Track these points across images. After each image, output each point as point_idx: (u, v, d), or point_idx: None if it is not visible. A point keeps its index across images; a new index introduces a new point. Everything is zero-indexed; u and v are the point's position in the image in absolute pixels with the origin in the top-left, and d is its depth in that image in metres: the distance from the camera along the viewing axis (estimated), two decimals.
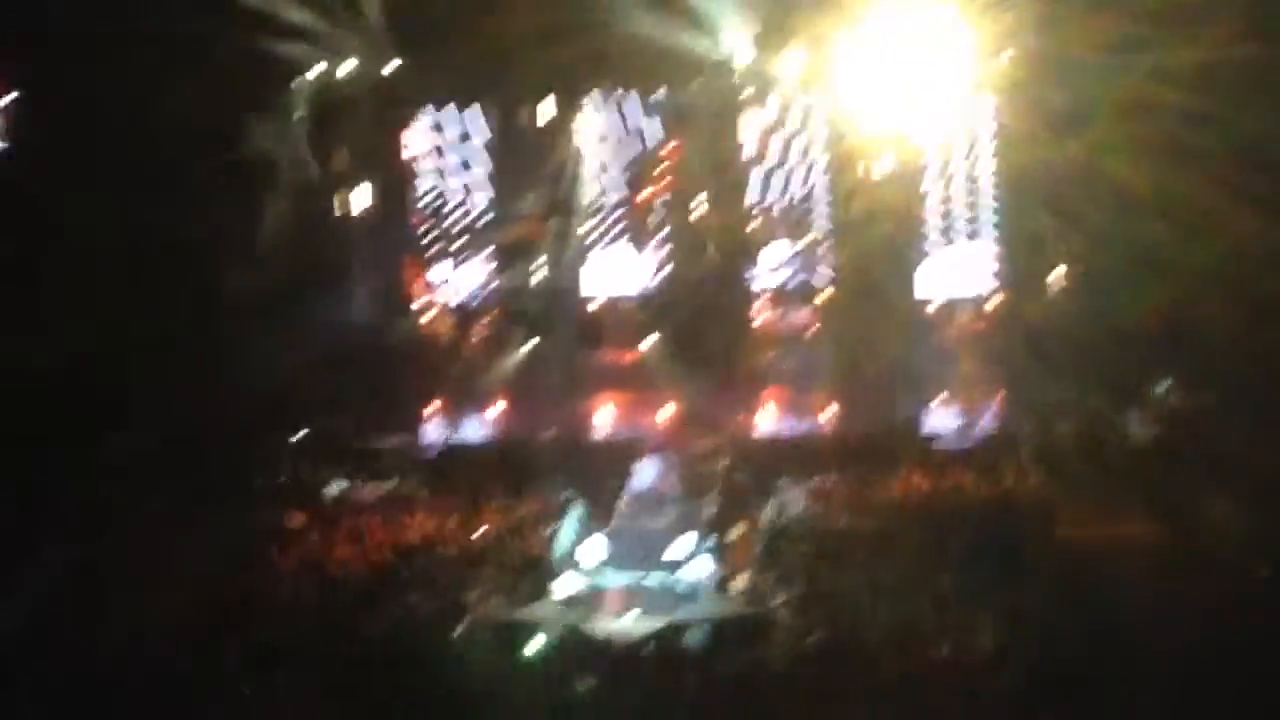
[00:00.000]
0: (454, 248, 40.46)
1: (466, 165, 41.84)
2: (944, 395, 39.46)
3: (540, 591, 30.21)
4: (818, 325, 40.62)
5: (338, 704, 26.04)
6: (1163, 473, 32.59)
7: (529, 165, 40.78)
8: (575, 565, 31.20)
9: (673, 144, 40.67)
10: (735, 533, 32.89)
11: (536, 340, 38.34)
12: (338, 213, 40.35)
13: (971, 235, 41.10)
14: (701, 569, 30.16)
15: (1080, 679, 24.50)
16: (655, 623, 28.49)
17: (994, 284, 40.79)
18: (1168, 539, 29.66)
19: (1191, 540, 29.23)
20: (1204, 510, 30.13)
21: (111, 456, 34.32)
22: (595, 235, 41.18)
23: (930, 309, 40.97)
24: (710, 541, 31.36)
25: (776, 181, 41.09)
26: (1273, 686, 23.76)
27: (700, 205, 40.11)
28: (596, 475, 34.81)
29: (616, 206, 40.96)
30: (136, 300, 36.11)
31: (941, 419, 39.06)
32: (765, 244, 39.81)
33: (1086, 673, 24.62)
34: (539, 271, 39.89)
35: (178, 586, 29.37)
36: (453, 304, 40.20)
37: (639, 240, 40.07)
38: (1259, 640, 24.70)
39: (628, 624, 28.72)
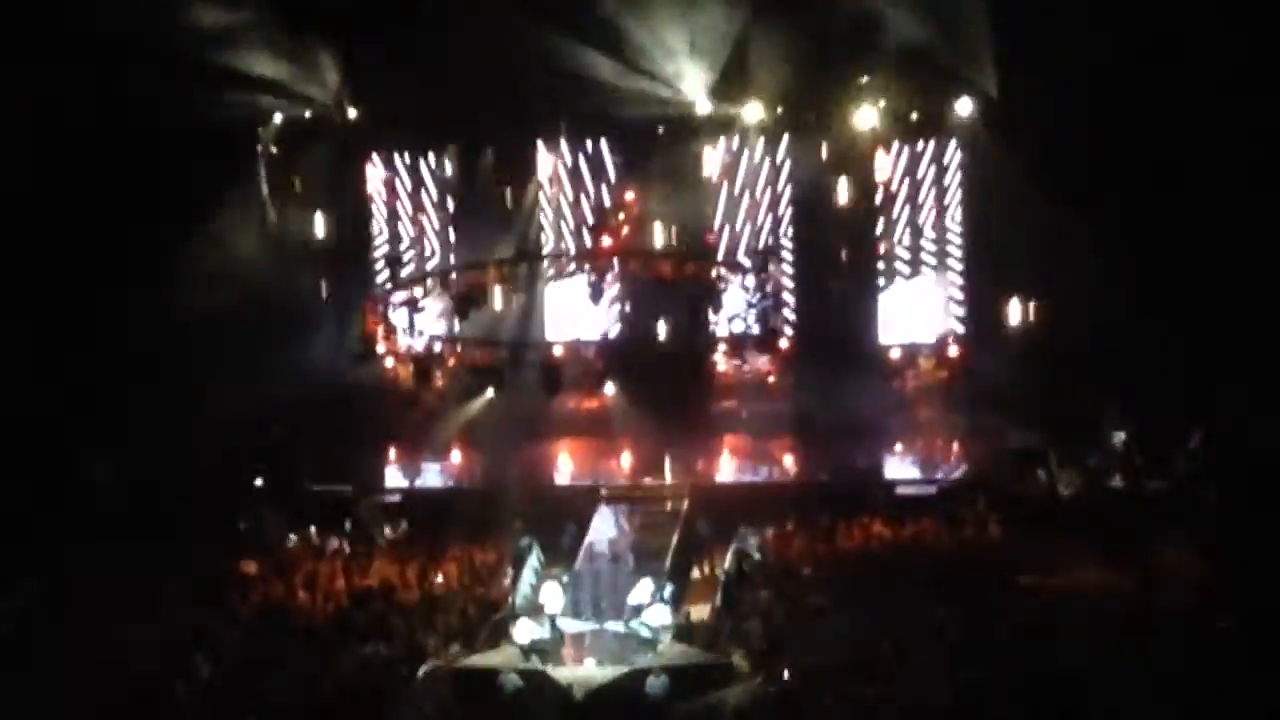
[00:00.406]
0: (414, 294, 40.35)
1: (426, 211, 41.94)
2: (905, 441, 39.54)
3: (499, 638, 30.07)
4: (778, 372, 40.71)
5: None
6: (1123, 520, 32.57)
7: (489, 211, 40.90)
8: (534, 612, 31.07)
9: (632, 191, 40.81)
10: (694, 580, 32.83)
11: (496, 386, 38.26)
12: (297, 259, 40.39)
13: (933, 281, 41.29)
14: (660, 616, 30.03)
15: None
16: (614, 670, 28.37)
17: (956, 330, 40.97)
18: (1128, 587, 29.62)
19: (1152, 589, 29.21)
20: (1165, 558, 30.15)
21: (72, 497, 34.32)
22: (555, 281, 41.32)
23: (892, 354, 41.12)
24: (669, 588, 31.26)
25: (738, 227, 41.24)
26: None
27: (661, 252, 40.20)
28: (555, 522, 34.71)
29: (577, 252, 41.01)
30: (96, 344, 36.08)
31: (902, 465, 39.07)
32: (726, 291, 39.80)
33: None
34: (498, 317, 39.89)
35: (134, 629, 29.27)
36: (413, 350, 40.03)
37: (599, 286, 40.02)
38: (1209, 690, 24.73)
39: (587, 671, 28.60)
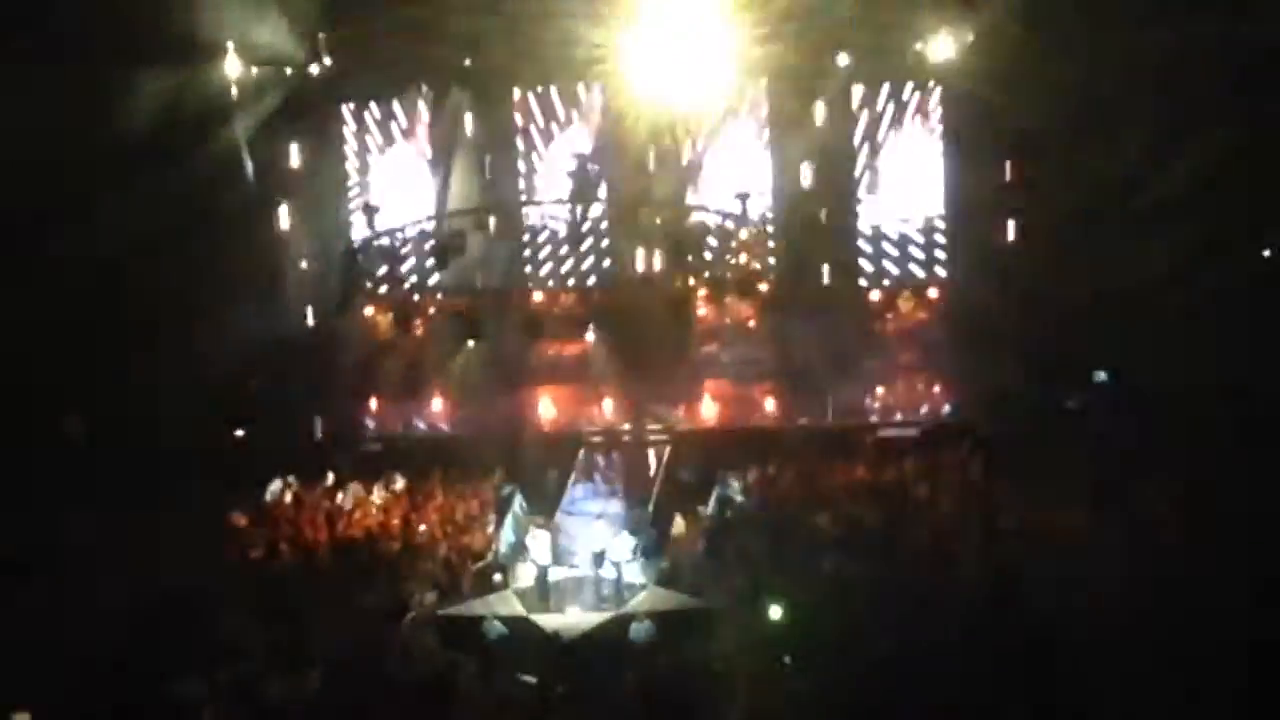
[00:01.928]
0: (394, 243, 40.26)
1: (403, 159, 41.78)
2: (887, 384, 39.56)
3: (483, 586, 30.20)
4: (760, 316, 40.69)
5: (281, 698, 26.01)
6: (1103, 462, 32.58)
7: (468, 160, 40.71)
8: (518, 559, 31.21)
9: (612, 138, 40.63)
10: (677, 526, 32.90)
11: (476, 334, 38.16)
12: (272, 208, 40.19)
13: (915, 223, 41.24)
14: (644, 562, 30.21)
15: (1012, 669, 24.68)
16: (598, 617, 28.52)
17: (938, 272, 40.95)
18: (1108, 529, 29.65)
19: (1130, 530, 29.26)
20: (1142, 500, 30.21)
21: (55, 453, 34.18)
22: (536, 229, 41.24)
23: (872, 296, 41.10)
24: (651, 535, 31.39)
25: (717, 173, 41.11)
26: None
27: (640, 199, 40.02)
28: (538, 469, 34.81)
29: (557, 200, 40.87)
30: (75, 300, 35.85)
31: (885, 408, 39.10)
32: (706, 236, 39.74)
33: (1018, 663, 24.79)
34: (479, 265, 39.73)
35: (121, 581, 29.31)
36: (392, 298, 39.96)
37: (580, 233, 39.96)
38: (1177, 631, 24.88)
39: (571, 618, 28.74)
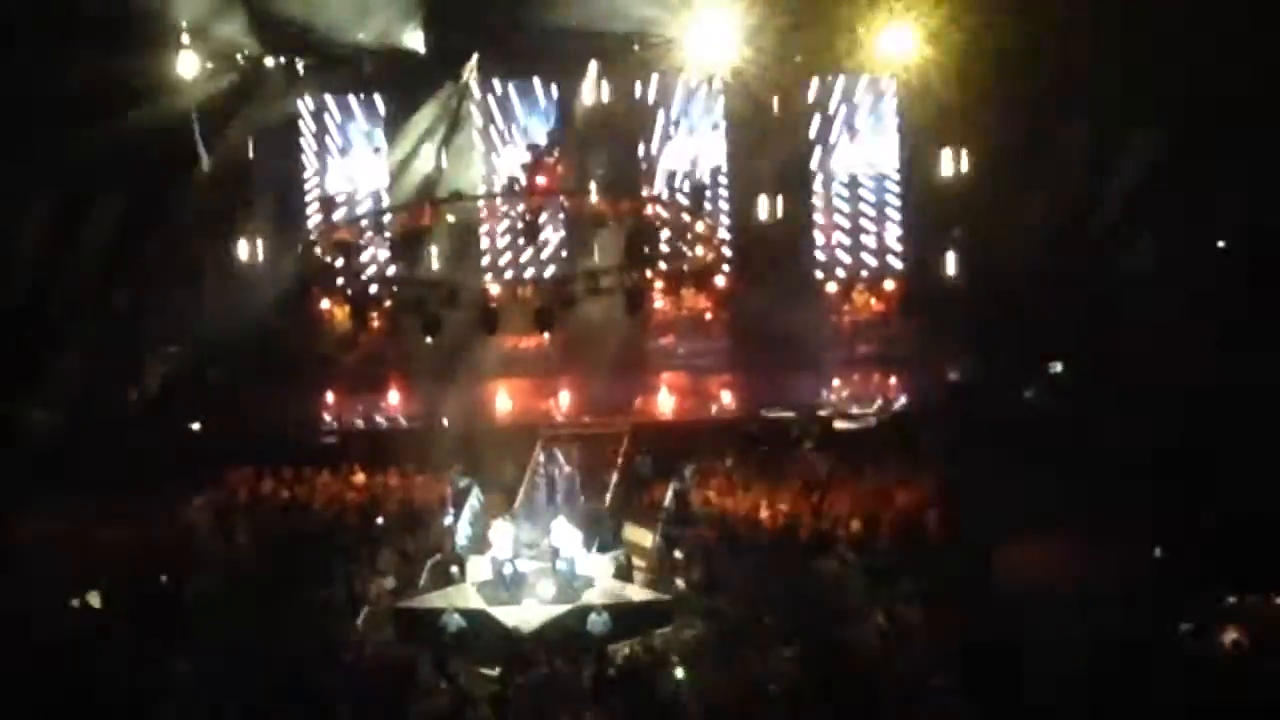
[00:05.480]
0: (349, 235, 40.14)
1: (363, 152, 41.77)
2: (843, 375, 39.68)
3: (440, 579, 30.18)
4: (717, 308, 40.82)
5: (241, 691, 25.97)
6: (1058, 450, 32.62)
7: (425, 152, 40.68)
8: (475, 551, 31.18)
9: (568, 129, 40.68)
10: (635, 518, 32.93)
11: (432, 327, 38.06)
12: (230, 202, 40.11)
13: (871, 214, 41.43)
14: (601, 554, 30.23)
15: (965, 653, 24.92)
16: (556, 609, 28.55)
17: (893, 263, 41.13)
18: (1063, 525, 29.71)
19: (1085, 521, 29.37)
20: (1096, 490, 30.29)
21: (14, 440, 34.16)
22: (492, 221, 41.24)
23: (828, 288, 41.26)
24: (610, 527, 31.42)
25: (674, 165, 41.22)
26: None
27: (597, 190, 40.00)
28: (495, 462, 34.76)
29: (513, 192, 40.85)
30: (36, 284, 35.78)
31: (840, 399, 39.19)
32: (664, 228, 39.76)
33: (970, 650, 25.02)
34: (436, 257, 39.65)
35: (77, 574, 29.29)
36: (349, 291, 39.83)
37: (534, 225, 39.92)
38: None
39: (529, 610, 28.75)
